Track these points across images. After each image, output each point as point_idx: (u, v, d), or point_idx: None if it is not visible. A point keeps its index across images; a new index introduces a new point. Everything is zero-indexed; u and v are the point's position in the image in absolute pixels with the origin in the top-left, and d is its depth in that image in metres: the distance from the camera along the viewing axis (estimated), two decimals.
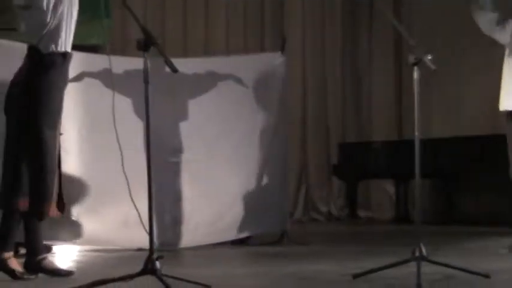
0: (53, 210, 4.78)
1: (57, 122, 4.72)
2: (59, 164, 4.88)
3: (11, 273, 4.62)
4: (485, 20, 5.97)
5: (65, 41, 4.79)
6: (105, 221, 6.58)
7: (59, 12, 4.76)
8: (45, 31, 4.71)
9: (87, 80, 6.67)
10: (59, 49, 4.74)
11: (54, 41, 4.73)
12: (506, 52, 6.08)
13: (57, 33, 4.74)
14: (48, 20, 4.71)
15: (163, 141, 6.46)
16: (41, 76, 4.68)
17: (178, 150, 6.88)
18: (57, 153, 4.74)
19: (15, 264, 4.68)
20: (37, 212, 4.68)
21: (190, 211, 6.82)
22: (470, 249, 6.30)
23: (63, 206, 4.91)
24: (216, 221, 6.97)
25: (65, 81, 4.81)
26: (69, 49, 4.84)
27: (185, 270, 4.60)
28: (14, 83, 4.79)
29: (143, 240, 6.42)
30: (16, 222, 4.72)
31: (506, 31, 6.00)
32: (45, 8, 4.67)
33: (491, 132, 8.63)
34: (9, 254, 4.66)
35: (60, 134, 4.90)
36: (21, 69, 4.81)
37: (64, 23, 4.77)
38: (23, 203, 4.63)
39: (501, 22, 5.94)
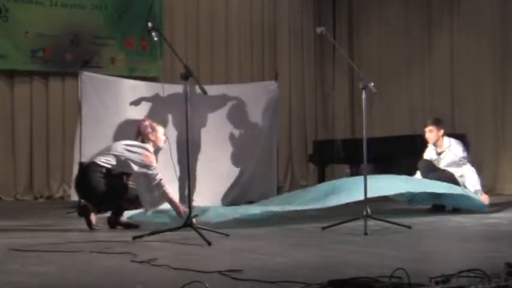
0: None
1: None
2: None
3: (89, 224, 4.71)
4: None
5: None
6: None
7: None
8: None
9: (145, 101, 6.71)
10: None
11: None
12: None
13: None
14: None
15: (191, 141, 6.53)
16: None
17: (198, 146, 6.88)
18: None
19: (93, 218, 4.76)
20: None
21: (205, 183, 6.79)
22: (399, 209, 6.30)
23: None
24: (223, 190, 6.98)
25: None
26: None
27: (210, 224, 4.60)
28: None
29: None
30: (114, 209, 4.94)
31: None
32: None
33: (411, 133, 8.68)
34: (92, 214, 4.76)
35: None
36: None
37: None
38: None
39: None
